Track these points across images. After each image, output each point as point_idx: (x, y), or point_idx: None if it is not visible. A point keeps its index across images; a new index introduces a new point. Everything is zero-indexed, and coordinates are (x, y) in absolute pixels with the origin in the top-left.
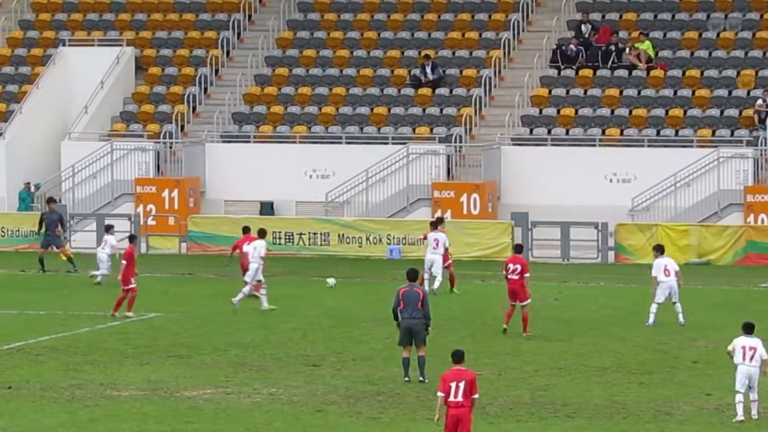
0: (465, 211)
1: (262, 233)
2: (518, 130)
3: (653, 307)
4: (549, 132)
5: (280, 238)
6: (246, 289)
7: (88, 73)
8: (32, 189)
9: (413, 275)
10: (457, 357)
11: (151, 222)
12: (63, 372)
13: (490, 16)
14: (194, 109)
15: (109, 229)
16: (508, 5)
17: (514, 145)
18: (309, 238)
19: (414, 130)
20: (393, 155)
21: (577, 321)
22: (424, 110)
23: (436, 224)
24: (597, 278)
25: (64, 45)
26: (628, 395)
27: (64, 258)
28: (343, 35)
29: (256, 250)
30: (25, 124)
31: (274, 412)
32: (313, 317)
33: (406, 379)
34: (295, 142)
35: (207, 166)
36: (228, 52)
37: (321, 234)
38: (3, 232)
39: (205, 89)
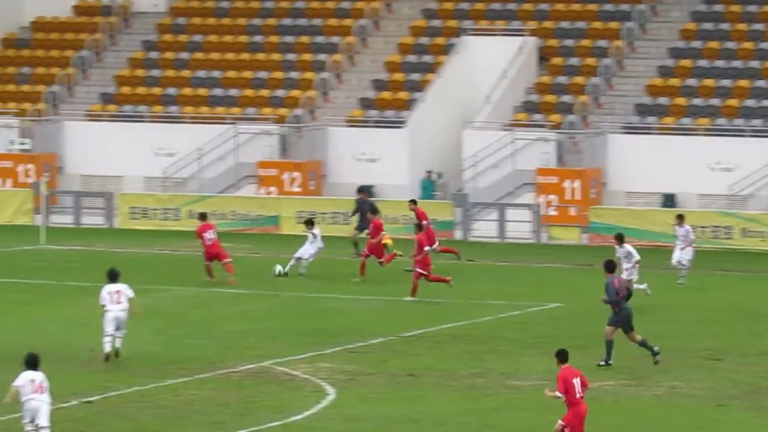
0: None
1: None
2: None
3: None
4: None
5: None
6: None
7: (490, 63)
8: (434, 177)
9: (610, 267)
10: (564, 356)
11: (552, 212)
12: (464, 360)
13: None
14: (596, 99)
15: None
16: None
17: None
18: (711, 231)
19: None
20: None
21: None
22: None
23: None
24: None
25: (466, 34)
26: None
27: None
28: (747, 27)
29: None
30: (427, 113)
31: (674, 406)
32: (715, 311)
33: None
34: (697, 135)
35: (609, 157)
36: (631, 43)
37: (723, 228)
38: None
39: (608, 80)
